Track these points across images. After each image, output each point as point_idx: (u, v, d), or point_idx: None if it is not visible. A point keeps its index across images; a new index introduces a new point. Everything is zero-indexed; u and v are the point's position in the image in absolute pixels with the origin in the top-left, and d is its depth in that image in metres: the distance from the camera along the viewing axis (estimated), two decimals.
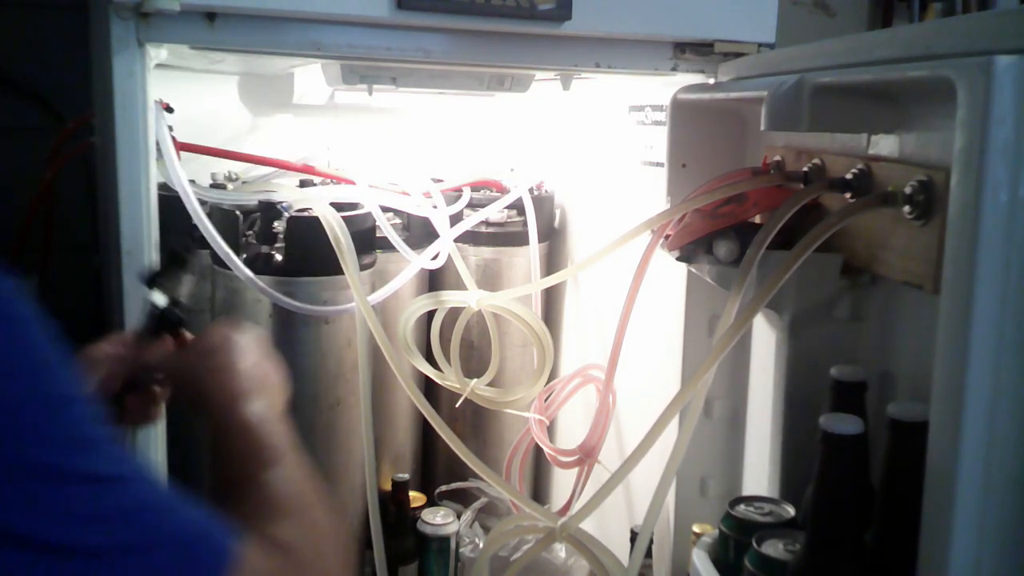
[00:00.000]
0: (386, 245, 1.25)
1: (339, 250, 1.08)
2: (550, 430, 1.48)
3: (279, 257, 1.15)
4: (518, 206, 1.45)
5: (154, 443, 0.93)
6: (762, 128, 0.79)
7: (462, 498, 1.51)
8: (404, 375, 1.10)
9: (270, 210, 1.15)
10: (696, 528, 1.02)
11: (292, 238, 1.15)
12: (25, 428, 0.45)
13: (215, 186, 1.27)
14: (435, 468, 1.60)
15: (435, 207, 1.29)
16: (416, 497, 1.48)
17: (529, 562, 1.03)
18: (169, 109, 1.02)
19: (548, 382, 1.33)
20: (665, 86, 1.07)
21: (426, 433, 1.58)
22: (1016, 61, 0.55)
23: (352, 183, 1.28)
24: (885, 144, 0.79)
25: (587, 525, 0.95)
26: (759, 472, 0.97)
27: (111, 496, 0.47)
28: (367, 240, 1.21)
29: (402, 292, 1.25)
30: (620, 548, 1.11)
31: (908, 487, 0.63)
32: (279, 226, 1.16)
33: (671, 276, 1.09)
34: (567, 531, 0.92)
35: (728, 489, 1.09)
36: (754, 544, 0.78)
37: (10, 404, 0.45)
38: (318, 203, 1.14)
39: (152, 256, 0.90)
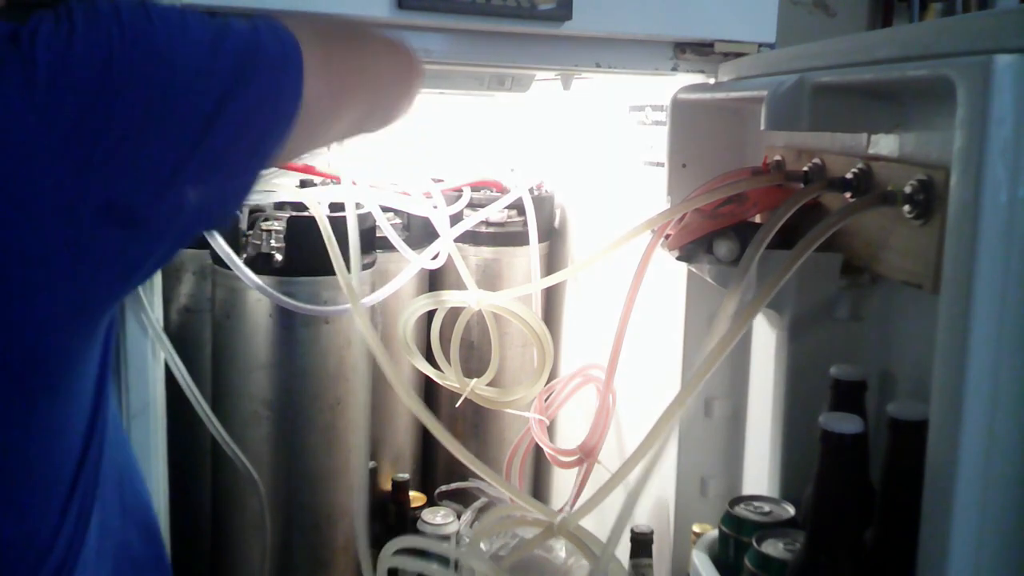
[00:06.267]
0: (386, 245, 1.25)
1: (333, 253, 1.07)
2: (550, 430, 1.48)
3: (279, 257, 1.15)
4: (518, 206, 1.45)
5: (154, 443, 0.93)
6: (762, 128, 0.79)
7: (462, 498, 1.51)
8: (397, 380, 1.08)
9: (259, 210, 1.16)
10: (696, 528, 1.02)
11: (292, 238, 1.15)
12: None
13: None
14: (435, 468, 1.60)
15: (435, 207, 1.29)
16: (416, 497, 1.48)
17: (528, 560, 1.03)
18: None
19: (548, 382, 1.33)
20: (665, 86, 1.07)
21: (426, 433, 1.58)
22: (1016, 61, 0.55)
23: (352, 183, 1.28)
24: (885, 144, 0.79)
25: (587, 525, 0.95)
26: (759, 472, 0.97)
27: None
28: (367, 240, 1.21)
29: (402, 292, 1.25)
30: (620, 549, 1.11)
31: (908, 487, 0.63)
32: (279, 225, 1.16)
33: (671, 276, 1.09)
34: (565, 528, 0.92)
35: (728, 489, 1.09)
36: (754, 544, 0.78)
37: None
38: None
39: None
